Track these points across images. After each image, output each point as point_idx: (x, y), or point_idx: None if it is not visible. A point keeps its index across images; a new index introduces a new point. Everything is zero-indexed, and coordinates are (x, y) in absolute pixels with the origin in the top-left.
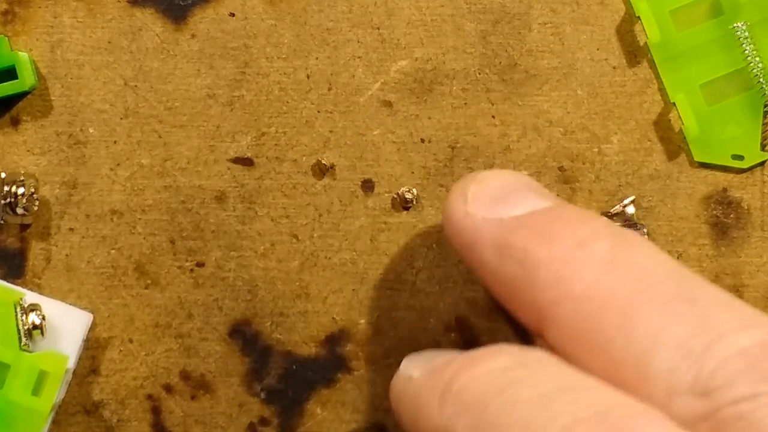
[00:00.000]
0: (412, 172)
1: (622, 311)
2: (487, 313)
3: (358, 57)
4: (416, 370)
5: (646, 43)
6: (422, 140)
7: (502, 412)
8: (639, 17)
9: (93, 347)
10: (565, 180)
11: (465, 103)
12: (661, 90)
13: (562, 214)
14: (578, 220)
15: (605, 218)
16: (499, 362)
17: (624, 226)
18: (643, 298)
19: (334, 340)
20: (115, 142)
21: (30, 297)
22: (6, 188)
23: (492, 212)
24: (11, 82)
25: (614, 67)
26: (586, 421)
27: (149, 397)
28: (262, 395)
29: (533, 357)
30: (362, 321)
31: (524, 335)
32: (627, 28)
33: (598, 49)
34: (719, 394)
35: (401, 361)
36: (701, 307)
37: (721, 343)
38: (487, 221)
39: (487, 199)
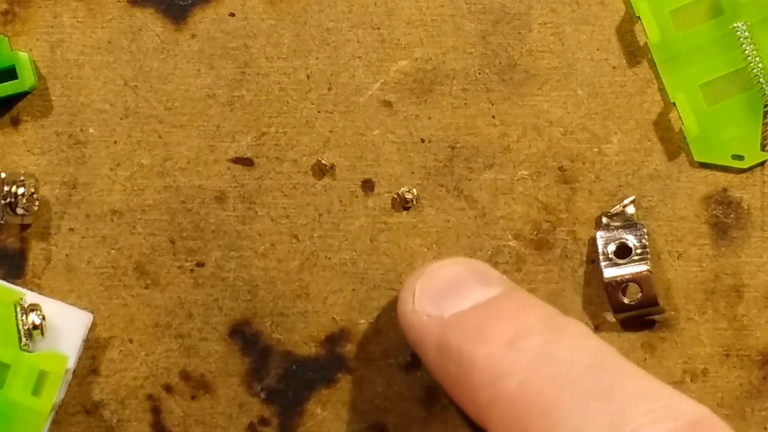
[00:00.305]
0: (412, 172)
1: (545, 411)
2: None
3: (358, 57)
4: None
5: (646, 43)
6: (422, 140)
7: None
8: (639, 17)
9: (93, 347)
10: (565, 180)
11: (465, 103)
12: (661, 90)
13: (498, 310)
14: (512, 315)
15: (541, 307)
16: None
17: (624, 226)
18: (564, 396)
19: (334, 340)
20: (115, 142)
21: (30, 297)
22: (6, 188)
23: (436, 308)
24: (11, 82)
25: (614, 67)
26: None
27: (149, 397)
28: (262, 395)
29: None
30: (362, 321)
31: None
32: (627, 28)
33: (598, 49)
34: None
35: (401, 360)
36: (617, 401)
37: None
38: (430, 320)
39: (433, 295)
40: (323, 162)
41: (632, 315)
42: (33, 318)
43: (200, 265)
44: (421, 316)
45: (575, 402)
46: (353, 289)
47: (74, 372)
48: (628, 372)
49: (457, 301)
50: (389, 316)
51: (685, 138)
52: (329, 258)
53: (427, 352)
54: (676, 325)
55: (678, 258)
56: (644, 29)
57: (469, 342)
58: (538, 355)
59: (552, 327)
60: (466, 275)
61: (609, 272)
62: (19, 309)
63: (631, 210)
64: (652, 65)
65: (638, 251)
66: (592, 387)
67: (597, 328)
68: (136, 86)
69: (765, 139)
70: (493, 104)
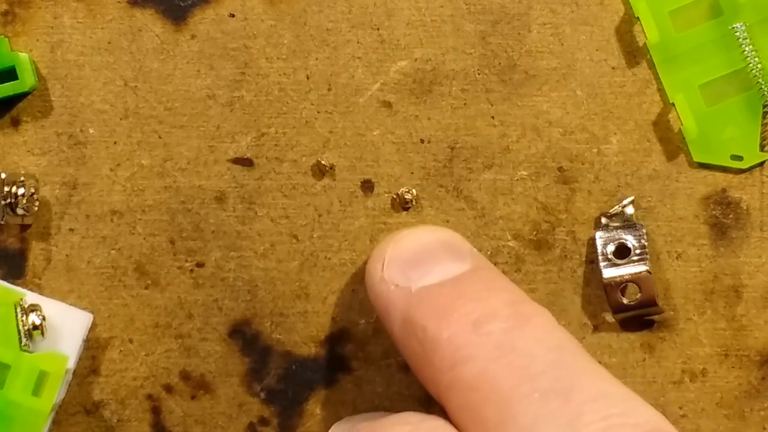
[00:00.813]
0: (412, 173)
1: (502, 405)
2: None
3: (358, 57)
4: None
5: (645, 43)
6: (422, 140)
7: None
8: (638, 18)
9: (93, 347)
10: (564, 180)
11: (464, 104)
12: (661, 90)
13: (464, 289)
14: (478, 296)
15: (508, 290)
16: (394, 430)
17: (623, 226)
18: (522, 392)
19: (334, 340)
20: (115, 142)
21: (30, 297)
22: (6, 189)
23: (404, 279)
24: (11, 82)
25: (613, 68)
26: None
27: (149, 397)
28: (262, 395)
29: (428, 426)
30: (362, 321)
31: None
32: (626, 28)
33: (597, 50)
34: None
35: (401, 360)
36: (574, 402)
37: None
38: (398, 290)
39: (402, 264)
40: (323, 162)
41: (631, 315)
42: (33, 318)
43: (200, 265)
44: (389, 285)
45: (532, 398)
46: (353, 289)
47: (74, 372)
48: (589, 371)
49: (425, 273)
50: None
51: (684, 138)
52: (329, 258)
53: (393, 324)
54: (675, 325)
55: (677, 258)
56: (643, 30)
57: (434, 321)
58: (501, 343)
59: (517, 314)
60: (436, 246)
61: (608, 272)
62: (19, 309)
63: (630, 210)
64: (652, 66)
65: (637, 251)
66: (551, 384)
67: (596, 328)
68: (136, 87)
69: (764, 140)
70: (492, 105)
